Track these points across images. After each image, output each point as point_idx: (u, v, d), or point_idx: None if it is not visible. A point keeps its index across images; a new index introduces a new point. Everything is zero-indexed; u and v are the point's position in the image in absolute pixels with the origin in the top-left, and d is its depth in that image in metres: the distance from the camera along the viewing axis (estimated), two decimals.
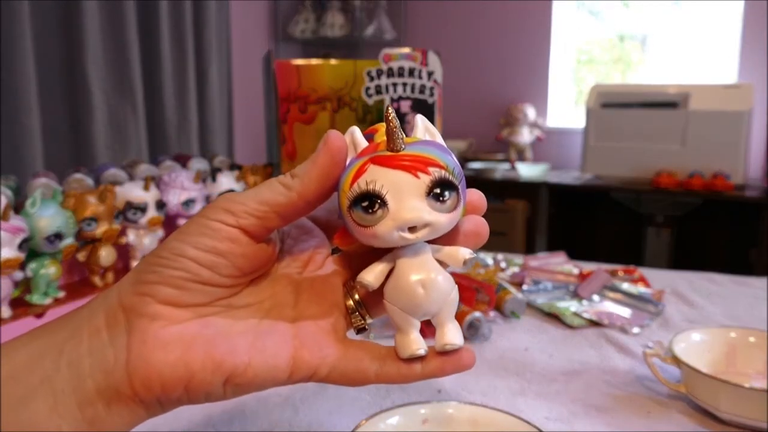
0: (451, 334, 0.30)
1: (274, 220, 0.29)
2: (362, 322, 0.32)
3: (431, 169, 0.27)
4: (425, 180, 0.27)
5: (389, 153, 0.28)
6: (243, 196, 0.29)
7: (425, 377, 0.30)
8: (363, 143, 0.30)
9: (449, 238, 0.30)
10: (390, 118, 0.28)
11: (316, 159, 0.29)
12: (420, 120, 0.31)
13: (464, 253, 0.29)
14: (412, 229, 0.27)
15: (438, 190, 0.27)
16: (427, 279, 0.29)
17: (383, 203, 0.27)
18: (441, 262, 0.30)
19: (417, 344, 0.29)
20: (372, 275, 0.29)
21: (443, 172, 0.27)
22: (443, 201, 0.27)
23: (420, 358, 0.30)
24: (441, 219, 0.27)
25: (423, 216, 0.27)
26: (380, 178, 0.27)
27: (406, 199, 0.27)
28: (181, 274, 0.28)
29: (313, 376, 0.30)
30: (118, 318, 0.28)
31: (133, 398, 0.28)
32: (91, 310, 0.29)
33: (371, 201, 0.27)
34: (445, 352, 0.30)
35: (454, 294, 0.30)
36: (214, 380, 0.28)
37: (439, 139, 0.30)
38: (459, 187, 0.28)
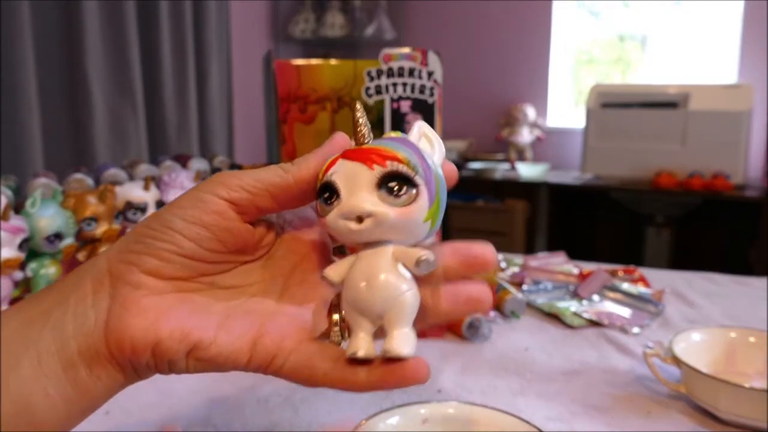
0: (396, 342, 0.27)
1: (266, 200, 0.29)
2: (339, 339, 0.30)
3: (388, 162, 0.26)
4: (378, 171, 0.26)
5: (356, 147, 0.28)
6: (240, 172, 0.30)
7: (369, 387, 0.28)
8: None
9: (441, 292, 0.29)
10: (355, 111, 0.28)
11: (317, 150, 0.30)
12: (417, 126, 0.30)
13: (419, 252, 0.27)
14: (359, 220, 0.27)
15: (392, 184, 0.26)
16: (372, 276, 0.27)
17: (338, 194, 0.27)
18: (417, 277, 0.28)
19: (358, 346, 0.28)
20: (334, 270, 0.29)
21: (400, 165, 0.26)
22: (397, 195, 0.26)
23: (366, 365, 0.28)
24: (387, 212, 0.26)
25: (363, 206, 0.26)
26: (340, 170, 0.27)
27: (356, 189, 0.27)
28: (166, 246, 0.29)
29: (270, 366, 0.30)
30: (103, 283, 0.29)
31: (110, 360, 0.29)
32: (78, 276, 0.30)
33: (329, 192, 0.27)
34: (390, 361, 0.27)
35: (406, 298, 0.27)
36: (179, 349, 0.29)
37: (437, 145, 0.29)
38: (419, 184, 0.27)
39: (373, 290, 0.27)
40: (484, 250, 0.29)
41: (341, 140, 0.30)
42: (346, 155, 0.27)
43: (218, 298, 0.31)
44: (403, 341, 0.27)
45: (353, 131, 0.28)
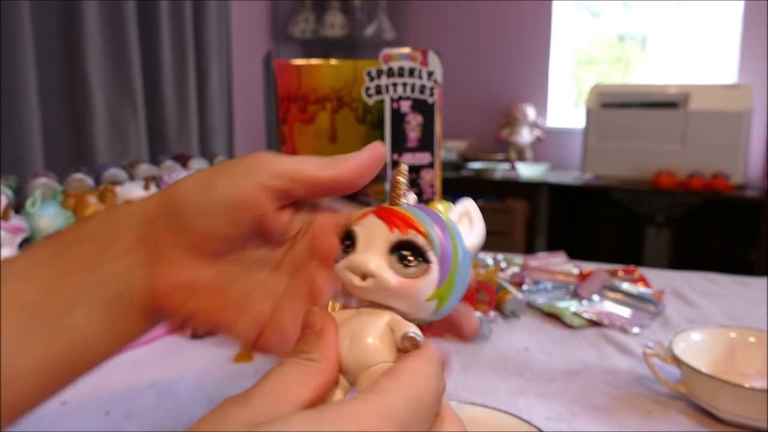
0: None
1: (302, 191, 0.31)
2: None
3: (409, 230, 0.26)
4: (396, 236, 0.26)
5: (389, 206, 0.28)
6: (281, 158, 0.31)
7: None
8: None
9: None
10: (398, 172, 0.28)
11: (357, 153, 0.31)
12: (463, 204, 0.29)
13: (408, 328, 0.26)
14: (363, 276, 0.26)
15: (405, 252, 0.26)
16: (357, 336, 0.27)
17: (355, 245, 0.27)
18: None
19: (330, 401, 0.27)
20: (335, 315, 0.29)
21: (418, 236, 0.26)
22: (406, 265, 0.26)
23: None
24: (389, 279, 0.26)
25: (368, 265, 0.26)
26: (365, 224, 0.27)
27: (371, 247, 0.27)
28: (205, 229, 0.31)
29: (274, 353, 0.32)
30: (139, 249, 0.31)
31: (143, 314, 0.32)
32: (124, 227, 0.32)
33: (349, 240, 0.27)
34: None
35: (378, 369, 0.26)
36: (204, 324, 0.32)
37: (476, 228, 0.29)
38: (431, 261, 0.26)
39: (353, 350, 0.27)
40: (472, 327, 0.31)
41: (381, 149, 0.31)
42: (377, 212, 0.27)
43: (240, 277, 0.32)
44: None
45: (391, 189, 0.28)
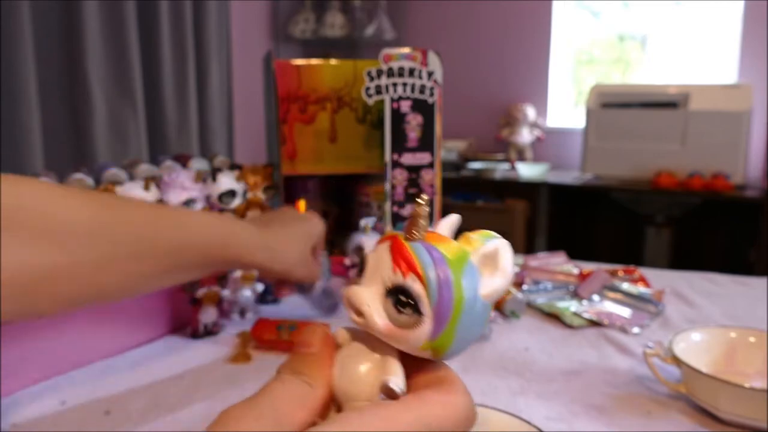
0: None
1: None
2: None
3: (409, 276, 0.25)
4: (396, 278, 0.25)
5: (405, 236, 0.27)
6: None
7: None
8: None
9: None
10: (418, 206, 0.27)
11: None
12: (492, 244, 0.27)
13: (388, 377, 0.26)
14: (358, 312, 0.26)
15: (401, 297, 0.25)
16: (349, 364, 0.27)
17: (363, 272, 0.27)
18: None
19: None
20: (343, 334, 0.28)
21: (415, 285, 0.25)
22: (399, 311, 0.25)
23: None
24: (378, 322, 0.25)
25: (361, 305, 0.26)
26: (378, 251, 0.27)
27: (373, 281, 0.26)
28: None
29: None
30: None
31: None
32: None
33: (362, 265, 0.27)
34: None
35: (357, 405, 0.26)
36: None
37: (499, 275, 0.27)
38: (423, 314, 0.25)
39: (341, 380, 0.27)
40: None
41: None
42: (393, 241, 0.26)
43: None
44: None
45: (409, 221, 0.27)
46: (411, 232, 0.26)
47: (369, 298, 0.26)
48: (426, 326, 0.25)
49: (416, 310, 0.25)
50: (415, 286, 0.25)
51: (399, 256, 0.26)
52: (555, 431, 0.53)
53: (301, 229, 0.63)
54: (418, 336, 0.25)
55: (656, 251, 2.66)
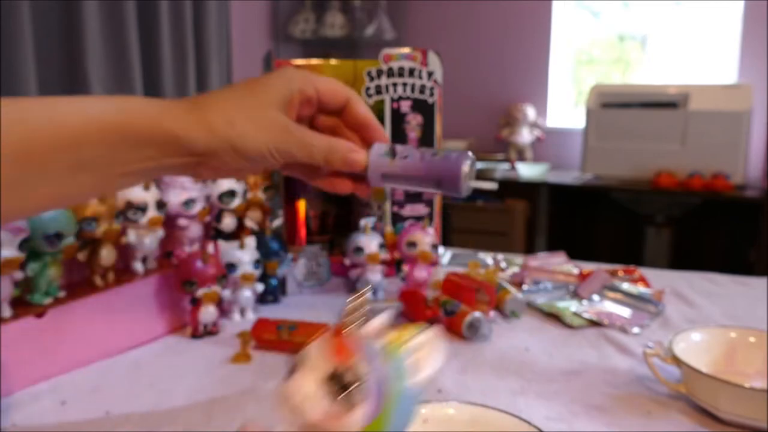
0: None
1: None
2: None
3: (349, 363, 0.28)
4: (336, 366, 0.28)
5: (341, 329, 0.30)
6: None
7: None
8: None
9: None
10: (357, 301, 0.30)
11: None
12: (425, 335, 0.32)
13: None
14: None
15: (338, 383, 0.28)
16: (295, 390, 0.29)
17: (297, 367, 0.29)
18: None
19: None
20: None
21: (349, 373, 0.28)
22: (336, 396, 0.28)
23: None
24: (313, 408, 0.28)
25: (295, 396, 0.28)
26: (319, 344, 0.29)
27: (314, 368, 0.29)
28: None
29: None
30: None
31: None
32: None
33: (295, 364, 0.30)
34: None
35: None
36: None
37: (432, 361, 0.32)
38: (355, 404, 0.28)
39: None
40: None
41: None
42: (333, 332, 0.29)
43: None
44: None
45: (347, 314, 0.30)
46: (349, 324, 0.30)
47: (304, 387, 0.28)
48: (361, 411, 0.28)
49: (353, 395, 0.28)
50: (348, 377, 0.28)
51: (338, 347, 0.28)
52: (555, 431, 0.53)
53: (263, 89, 0.43)
54: (355, 420, 0.28)
55: (656, 251, 2.66)
